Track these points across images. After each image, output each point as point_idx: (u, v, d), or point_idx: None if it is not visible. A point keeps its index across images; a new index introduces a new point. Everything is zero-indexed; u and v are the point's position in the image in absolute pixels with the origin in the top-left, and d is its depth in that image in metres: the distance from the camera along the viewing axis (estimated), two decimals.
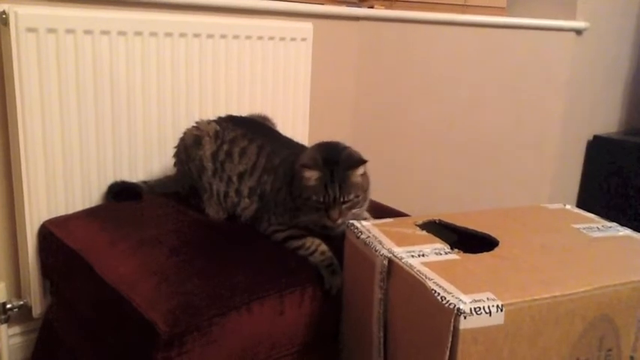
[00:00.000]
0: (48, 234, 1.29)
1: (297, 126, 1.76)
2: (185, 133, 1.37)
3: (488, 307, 0.77)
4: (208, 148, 1.31)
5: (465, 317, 0.75)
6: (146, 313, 0.96)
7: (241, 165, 1.28)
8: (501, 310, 0.77)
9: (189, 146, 1.33)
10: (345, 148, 1.18)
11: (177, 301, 0.97)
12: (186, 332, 0.93)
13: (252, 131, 1.34)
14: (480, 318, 0.76)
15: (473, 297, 0.78)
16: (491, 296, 0.78)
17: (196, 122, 1.37)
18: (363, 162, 1.14)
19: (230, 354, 0.98)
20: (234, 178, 1.28)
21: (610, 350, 0.88)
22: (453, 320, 0.76)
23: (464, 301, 0.77)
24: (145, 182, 1.45)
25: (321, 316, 1.09)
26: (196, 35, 1.48)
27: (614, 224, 1.08)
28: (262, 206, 1.24)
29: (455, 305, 0.76)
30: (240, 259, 1.12)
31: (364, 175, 1.16)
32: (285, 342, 1.06)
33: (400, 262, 0.88)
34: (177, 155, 1.38)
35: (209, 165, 1.30)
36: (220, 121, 1.38)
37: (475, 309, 0.76)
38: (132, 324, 0.98)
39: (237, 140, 1.31)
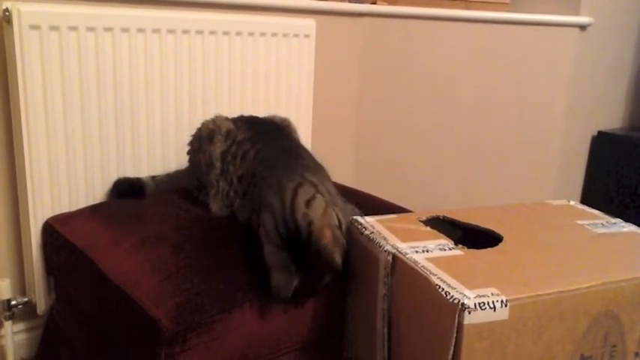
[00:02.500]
0: (52, 231, 1.30)
1: (300, 123, 1.75)
2: (203, 124, 1.37)
3: (493, 303, 0.76)
4: (219, 146, 1.31)
5: (469, 312, 0.75)
6: (150, 310, 0.96)
7: (241, 169, 1.28)
8: (506, 306, 0.77)
9: (203, 137, 1.34)
10: (310, 224, 0.98)
11: (181, 298, 0.97)
12: (190, 329, 0.93)
13: (259, 135, 1.33)
14: (485, 313, 0.76)
15: (477, 292, 0.77)
16: (496, 291, 0.78)
17: (216, 115, 1.38)
18: (336, 268, 0.95)
19: (233, 351, 0.98)
20: (235, 180, 1.28)
21: (615, 346, 0.88)
22: (457, 315, 0.76)
23: (468, 296, 0.76)
24: (153, 177, 1.46)
25: (325, 313, 1.09)
26: (199, 32, 1.48)
27: (618, 220, 1.08)
28: (252, 209, 1.24)
29: (459, 300, 0.76)
30: (244, 257, 1.12)
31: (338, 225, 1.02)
32: (289, 339, 1.06)
33: (404, 258, 0.88)
34: (191, 144, 1.38)
35: (217, 164, 1.31)
36: (236, 120, 1.38)
37: (479, 304, 0.76)
38: (135, 321, 0.98)
39: (243, 143, 1.31)
